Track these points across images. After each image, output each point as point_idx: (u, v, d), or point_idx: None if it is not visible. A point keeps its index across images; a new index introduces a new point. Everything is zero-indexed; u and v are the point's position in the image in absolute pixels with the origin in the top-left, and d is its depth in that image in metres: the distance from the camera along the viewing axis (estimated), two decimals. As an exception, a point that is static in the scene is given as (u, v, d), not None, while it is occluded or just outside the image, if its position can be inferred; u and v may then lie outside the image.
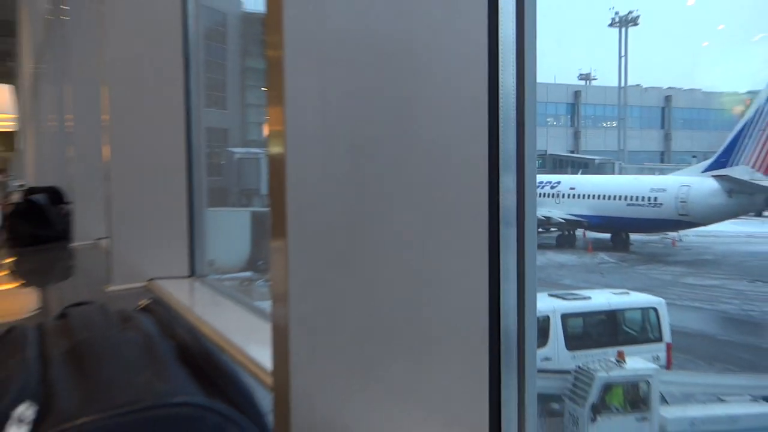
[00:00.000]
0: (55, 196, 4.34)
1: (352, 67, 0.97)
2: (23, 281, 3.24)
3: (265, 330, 1.82)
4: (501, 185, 1.04)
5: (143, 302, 0.79)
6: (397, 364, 0.96)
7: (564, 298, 12.18)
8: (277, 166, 0.92)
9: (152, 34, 2.50)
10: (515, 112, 1.06)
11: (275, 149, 0.93)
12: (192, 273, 2.59)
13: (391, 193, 0.97)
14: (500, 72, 1.04)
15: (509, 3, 1.05)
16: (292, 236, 0.90)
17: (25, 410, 0.55)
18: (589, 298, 12.46)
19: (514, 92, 1.06)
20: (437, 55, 1.00)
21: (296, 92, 0.92)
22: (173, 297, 2.25)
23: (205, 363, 0.62)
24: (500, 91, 1.05)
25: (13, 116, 9.40)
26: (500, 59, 1.04)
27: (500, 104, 1.05)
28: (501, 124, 1.04)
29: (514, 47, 1.06)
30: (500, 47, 1.04)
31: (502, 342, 1.02)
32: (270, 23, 0.93)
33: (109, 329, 0.65)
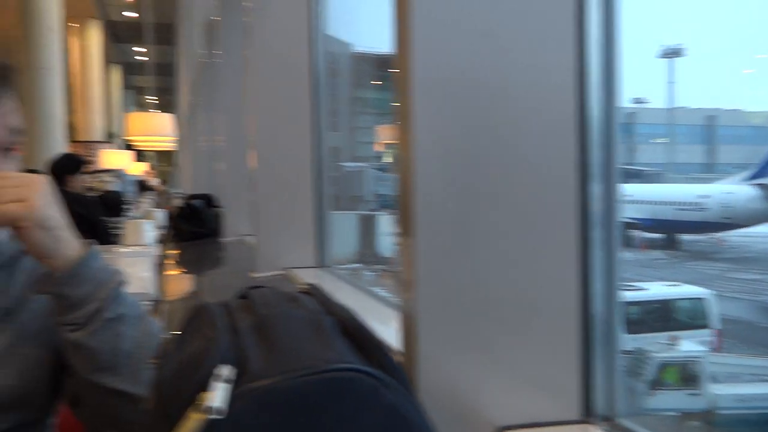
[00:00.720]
0: (209, 201, 4.52)
1: (464, 95, 0.98)
2: (186, 269, 3.39)
3: (380, 310, 1.85)
4: (589, 193, 1.02)
5: (303, 286, 0.80)
6: (504, 340, 0.96)
7: (624, 289, 11.78)
8: (405, 174, 0.94)
9: (286, 72, 2.58)
10: (601, 130, 1.04)
11: (404, 161, 0.95)
12: (319, 264, 2.65)
13: (497, 198, 0.98)
14: (588, 97, 1.03)
15: (594, 37, 1.03)
16: (418, 233, 0.91)
17: (226, 371, 0.57)
18: (645, 289, 12.05)
19: (600, 114, 1.04)
20: (532, 84, 1.00)
21: (421, 115, 0.94)
22: (305, 283, 2.30)
23: (360, 336, 0.63)
24: (588, 114, 1.03)
25: (174, 139, 9.83)
26: (587, 87, 1.03)
27: (588, 124, 1.03)
28: (589, 141, 1.03)
29: (600, 76, 1.04)
30: (587, 77, 1.03)
31: (592, 324, 1.01)
32: (401, 60, 0.95)
33: (283, 307, 0.67)
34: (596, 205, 1.02)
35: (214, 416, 0.53)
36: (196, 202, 4.45)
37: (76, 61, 14.76)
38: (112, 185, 6.23)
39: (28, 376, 0.97)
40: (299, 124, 2.58)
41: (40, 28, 9.57)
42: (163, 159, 26.22)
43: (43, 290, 0.92)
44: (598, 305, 1.01)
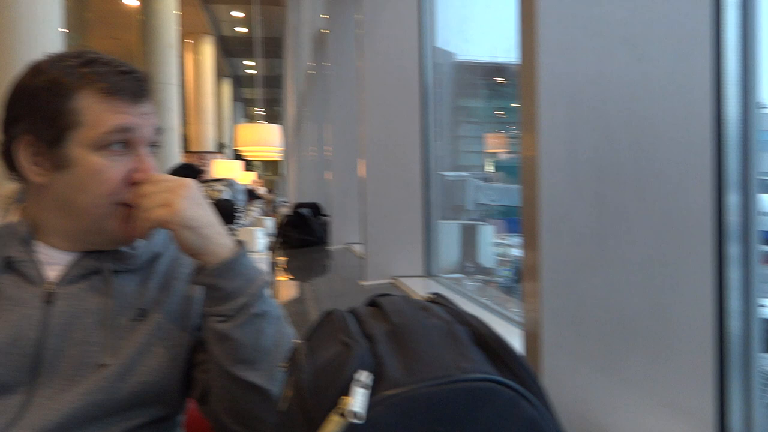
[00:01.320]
0: (316, 209, 4.63)
1: (594, 102, 0.95)
2: (295, 275, 3.48)
3: (492, 320, 1.83)
4: (727, 203, 0.97)
5: (430, 295, 0.80)
6: (634, 358, 0.92)
7: (763, 306, 11.03)
8: (530, 184, 0.92)
9: (397, 82, 2.60)
10: (739, 138, 0.98)
11: (529, 171, 0.93)
12: (426, 273, 2.65)
13: (628, 209, 0.94)
14: (725, 102, 0.98)
15: (732, 40, 0.98)
16: (544, 245, 0.89)
17: (365, 377, 0.57)
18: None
19: (739, 121, 0.98)
20: (666, 90, 0.96)
21: (548, 123, 0.92)
22: (415, 292, 2.31)
23: (496, 346, 0.62)
24: (725, 120, 0.98)
25: (280, 149, 10.15)
26: (724, 92, 0.98)
27: (725, 131, 0.98)
28: (726, 149, 0.97)
29: (738, 81, 0.98)
30: (724, 82, 0.98)
31: (728, 342, 0.95)
32: (525, 69, 0.93)
33: (416, 315, 0.67)
34: (734, 217, 0.96)
35: (354, 420, 0.54)
36: (303, 211, 4.57)
37: (190, 75, 15.58)
38: (223, 194, 6.49)
39: (164, 373, 1.02)
40: (409, 134, 2.60)
41: (160, 45, 10.17)
42: (269, 168, 27.14)
43: (199, 281, 0.97)
44: (735, 323, 0.96)
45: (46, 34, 4.65)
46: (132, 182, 0.98)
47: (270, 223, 5.88)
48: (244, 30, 16.60)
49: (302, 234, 4.43)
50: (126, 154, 0.98)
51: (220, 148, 16.92)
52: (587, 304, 0.90)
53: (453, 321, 0.66)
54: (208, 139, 15.57)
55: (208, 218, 0.97)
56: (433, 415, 0.56)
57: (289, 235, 4.55)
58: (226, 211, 5.96)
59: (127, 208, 0.98)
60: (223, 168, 10.49)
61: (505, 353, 0.62)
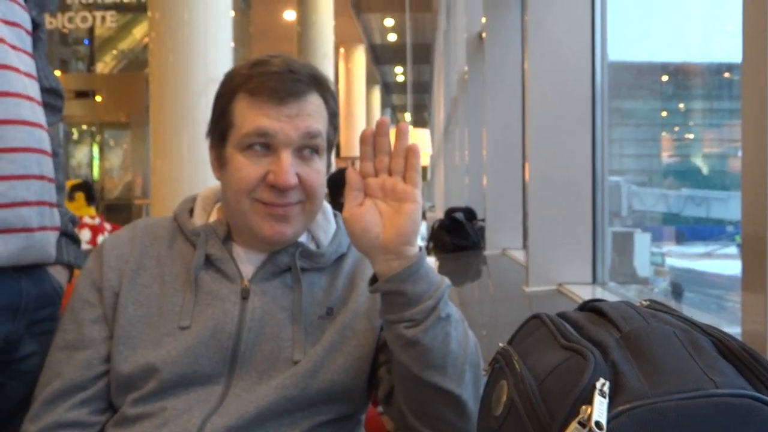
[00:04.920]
0: (470, 213, 4.59)
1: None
2: (452, 279, 3.46)
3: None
4: None
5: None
6: None
7: None
8: (756, 189, 0.84)
9: (566, 83, 2.51)
10: None
11: (756, 175, 0.84)
12: (593, 280, 2.54)
13: None
14: None
15: None
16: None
17: (603, 386, 0.54)
18: None
19: None
20: None
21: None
22: (583, 299, 2.21)
23: (746, 359, 0.56)
24: None
25: (428, 153, 10.23)
26: None
27: None
28: None
29: None
30: None
31: None
32: (750, 66, 0.85)
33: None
34: None
35: (597, 431, 0.51)
36: (457, 215, 4.55)
37: (342, 83, 16.12)
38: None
39: (352, 371, 1.04)
40: (578, 136, 2.50)
41: (316, 56, 10.60)
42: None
43: (381, 289, 0.95)
44: None
45: (218, 50, 4.98)
46: (267, 183, 0.98)
47: (422, 227, 5.92)
48: (394, 37, 16.93)
49: (456, 238, 4.40)
50: (269, 155, 0.99)
51: (370, 154, 17.34)
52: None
53: (690, 329, 0.61)
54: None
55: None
56: (681, 429, 0.51)
57: (442, 240, 4.54)
58: (380, 215, 6.07)
59: (265, 206, 0.99)
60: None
61: (757, 368, 0.56)
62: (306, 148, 1.00)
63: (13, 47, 1.07)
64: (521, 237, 3.84)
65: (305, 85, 1.00)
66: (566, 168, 2.49)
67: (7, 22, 1.07)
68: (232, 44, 5.19)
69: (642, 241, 3.21)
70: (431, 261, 3.29)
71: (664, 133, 3.50)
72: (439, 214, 7.95)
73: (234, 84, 1.01)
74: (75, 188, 4.86)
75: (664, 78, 3.31)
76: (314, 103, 1.01)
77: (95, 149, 10.26)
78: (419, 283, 0.93)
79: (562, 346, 0.63)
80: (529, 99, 2.55)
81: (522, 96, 3.80)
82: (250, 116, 0.98)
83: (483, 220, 4.40)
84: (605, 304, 0.70)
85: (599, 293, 2.44)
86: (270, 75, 0.99)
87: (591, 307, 0.72)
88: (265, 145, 0.98)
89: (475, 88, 5.30)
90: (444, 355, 0.93)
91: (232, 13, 5.23)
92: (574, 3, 2.50)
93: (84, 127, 10.00)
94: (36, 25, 1.17)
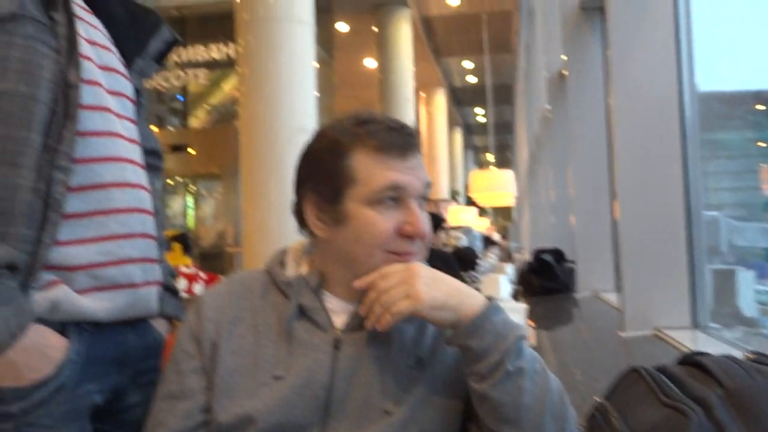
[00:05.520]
0: (559, 255, 4.49)
1: None
2: (541, 323, 3.38)
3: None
4: None
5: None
6: None
7: None
8: None
9: (653, 117, 2.45)
10: None
11: None
12: (693, 323, 2.42)
13: None
14: None
15: None
16: None
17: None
18: None
19: None
20: None
21: None
22: (684, 345, 2.11)
23: None
24: None
25: (512, 194, 10.13)
26: None
27: None
28: None
29: None
30: None
31: None
32: None
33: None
34: None
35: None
36: (546, 257, 4.46)
37: (423, 126, 16.28)
38: (462, 241, 6.61)
39: (443, 423, 1.03)
40: (669, 171, 2.43)
41: (398, 100, 10.80)
42: (500, 214, 27.17)
43: (450, 342, 0.99)
44: None
45: (303, 100, 5.16)
46: (402, 234, 1.02)
47: (510, 269, 5.83)
48: (474, 79, 17.02)
49: (545, 281, 4.31)
50: (397, 207, 1.02)
51: (454, 196, 17.34)
52: None
53: (803, 386, 0.58)
54: (441, 187, 16.06)
55: (448, 289, 0.98)
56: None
57: (530, 282, 4.45)
58: (467, 259, 6.05)
59: (399, 256, 1.02)
60: (458, 215, 10.71)
61: None
62: (422, 198, 1.05)
63: (119, 116, 1.15)
64: (613, 278, 3.72)
65: (415, 139, 1.06)
66: (658, 204, 2.41)
67: (113, 93, 1.15)
68: (316, 94, 5.36)
69: (745, 278, 3.05)
70: (518, 306, 3.23)
71: (762, 165, 3.34)
72: (527, 255, 7.82)
73: (345, 142, 1.04)
74: (173, 239, 5.08)
75: (759, 107, 3.18)
76: (420, 155, 1.08)
77: (189, 200, 10.73)
78: (485, 337, 0.94)
79: (663, 403, 0.61)
80: (615, 135, 2.50)
81: (607, 132, 3.73)
82: (378, 172, 1.01)
83: (572, 261, 4.30)
84: (707, 358, 0.67)
85: (700, 338, 2.32)
86: (388, 132, 1.03)
87: (692, 361, 0.69)
88: (394, 198, 1.02)
89: (558, 127, 5.24)
90: (517, 409, 0.92)
91: (316, 64, 5.41)
92: (657, 34, 2.45)
93: (179, 178, 10.50)
94: (138, 93, 1.26)
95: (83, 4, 1.17)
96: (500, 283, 4.27)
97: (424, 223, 1.03)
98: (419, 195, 1.04)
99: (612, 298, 3.40)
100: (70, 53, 1.04)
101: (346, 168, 1.02)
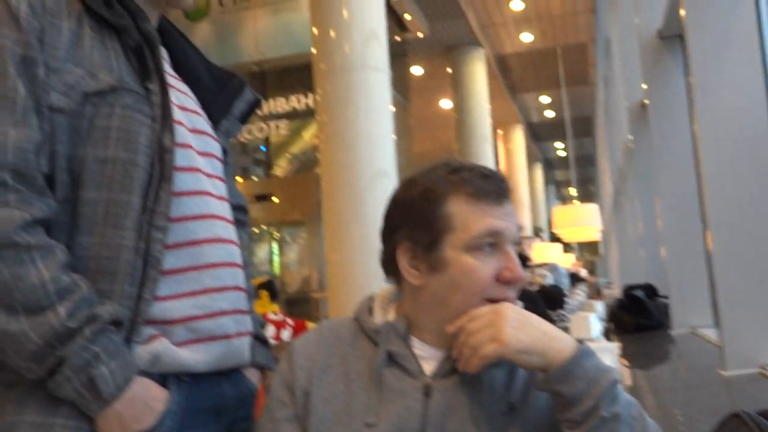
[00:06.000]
0: (651, 291, 4.33)
1: None
2: (635, 363, 3.26)
3: None
4: None
5: None
6: None
7: None
8: None
9: (743, 142, 2.35)
10: None
11: None
12: (803, 359, 2.27)
13: None
14: None
15: None
16: None
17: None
18: None
19: None
20: None
21: None
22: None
23: None
24: None
25: (597, 228, 9.87)
26: None
27: None
28: None
29: None
30: None
31: None
32: None
33: None
34: None
35: None
36: (637, 293, 4.31)
37: (502, 164, 16.19)
38: (547, 279, 6.47)
39: None
40: (762, 198, 2.32)
41: (475, 140, 10.82)
42: (586, 249, 26.45)
43: (540, 387, 0.98)
44: None
45: (382, 144, 5.24)
46: (501, 280, 1.03)
47: (600, 306, 5.66)
48: (552, 114, 16.84)
49: (637, 318, 4.15)
50: (493, 253, 1.04)
51: (537, 232, 17.05)
52: None
53: None
54: (524, 224, 15.84)
55: (536, 332, 0.98)
56: None
57: (622, 320, 4.30)
58: (554, 298, 5.91)
59: (495, 303, 1.02)
60: (542, 252, 10.51)
61: None
62: (515, 242, 1.07)
63: (208, 175, 1.22)
64: (711, 313, 3.54)
65: (508, 185, 1.09)
66: (753, 233, 2.30)
67: (202, 154, 1.22)
68: (394, 137, 5.44)
69: None
70: (610, 346, 3.12)
71: None
72: (617, 291, 7.57)
73: (440, 190, 1.06)
74: (260, 287, 5.21)
75: None
76: (512, 201, 1.10)
77: (275, 246, 11.01)
78: (576, 383, 0.92)
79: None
80: (703, 163, 2.41)
81: (694, 160, 3.60)
82: (476, 218, 1.03)
83: (666, 297, 4.13)
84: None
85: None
86: (483, 178, 1.06)
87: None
88: (492, 243, 1.04)
89: (642, 157, 5.10)
90: None
91: (392, 108, 5.51)
92: (741, 57, 2.37)
93: (264, 227, 10.80)
94: (224, 152, 1.33)
95: (173, 73, 1.25)
96: (590, 321, 4.15)
97: (521, 267, 1.04)
98: (514, 240, 1.06)
99: (711, 334, 3.24)
100: (164, 119, 1.11)
101: (443, 215, 1.04)
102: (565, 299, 5.72)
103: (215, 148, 1.28)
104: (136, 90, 1.10)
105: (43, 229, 1.00)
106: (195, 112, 1.25)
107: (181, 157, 1.13)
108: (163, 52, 1.23)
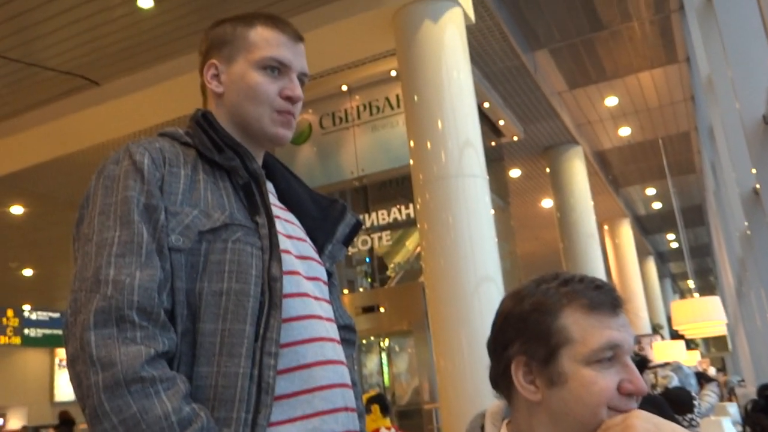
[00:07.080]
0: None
1: None
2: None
3: None
4: None
5: None
6: None
7: None
8: None
9: None
10: None
11: None
12: None
13: None
14: None
15: None
16: None
17: None
18: None
19: None
20: None
21: None
22: None
23: None
24: None
25: (722, 321, 9.21)
26: None
27: None
28: None
29: None
30: None
31: None
32: None
33: None
34: None
35: None
36: (775, 392, 3.96)
37: (611, 259, 15.63)
38: (672, 381, 6.05)
39: None
40: None
41: (579, 237, 10.57)
42: (713, 344, 24.65)
43: None
44: None
45: (484, 249, 5.22)
46: (622, 392, 1.00)
47: (733, 409, 5.20)
48: (659, 205, 16.30)
49: (780, 420, 3.79)
50: (611, 364, 1.02)
51: (656, 330, 16.12)
52: None
53: None
54: (641, 321, 15.03)
55: None
56: None
57: (761, 424, 3.94)
58: (681, 401, 5.48)
59: (620, 414, 0.99)
60: (664, 351, 9.89)
61: None
62: (633, 353, 1.06)
63: (316, 298, 1.27)
64: None
65: (619, 295, 1.07)
66: None
67: (310, 278, 1.28)
68: (496, 240, 5.42)
69: None
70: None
71: None
72: (752, 390, 6.95)
73: (553, 303, 1.05)
74: (370, 401, 5.16)
75: None
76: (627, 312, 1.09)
77: (383, 357, 10.95)
78: None
79: None
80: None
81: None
82: (594, 331, 1.02)
83: (809, 396, 3.77)
84: None
85: None
86: (597, 289, 1.05)
87: None
88: (611, 357, 1.02)
89: (762, 244, 4.82)
90: None
91: (492, 212, 5.52)
92: None
93: (371, 338, 10.82)
94: (330, 275, 1.38)
95: (279, 204, 1.34)
96: (724, 427, 3.82)
97: (642, 379, 1.02)
98: (632, 351, 1.04)
99: None
100: (272, 250, 1.18)
101: (559, 328, 1.03)
102: (694, 402, 5.29)
103: (321, 272, 1.33)
104: (245, 224, 1.19)
105: (165, 362, 1.06)
106: (301, 239, 1.32)
107: (289, 284, 1.19)
108: (270, 186, 1.33)
